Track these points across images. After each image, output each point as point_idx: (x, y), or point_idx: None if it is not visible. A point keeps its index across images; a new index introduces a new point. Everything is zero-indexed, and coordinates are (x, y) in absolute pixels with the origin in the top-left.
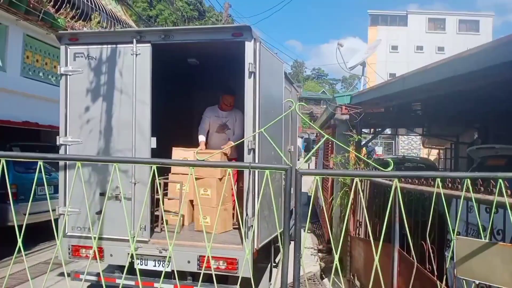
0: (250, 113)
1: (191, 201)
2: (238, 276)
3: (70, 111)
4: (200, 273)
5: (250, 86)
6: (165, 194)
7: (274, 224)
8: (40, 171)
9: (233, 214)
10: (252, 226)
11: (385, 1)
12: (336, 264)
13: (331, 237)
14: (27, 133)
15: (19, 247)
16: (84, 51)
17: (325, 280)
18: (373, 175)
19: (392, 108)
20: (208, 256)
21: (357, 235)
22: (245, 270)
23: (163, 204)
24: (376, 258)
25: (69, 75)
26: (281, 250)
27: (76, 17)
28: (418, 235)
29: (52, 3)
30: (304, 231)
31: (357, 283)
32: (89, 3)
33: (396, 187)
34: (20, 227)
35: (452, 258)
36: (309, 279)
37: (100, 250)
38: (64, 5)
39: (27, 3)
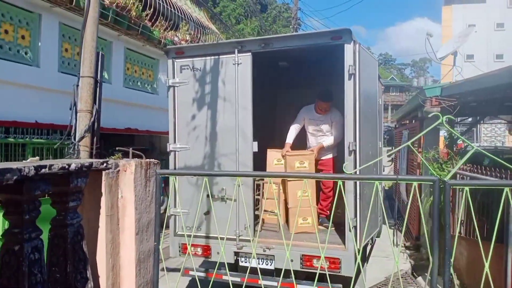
0: (350, 115)
1: (285, 201)
2: (338, 275)
3: (178, 119)
4: (302, 271)
5: (350, 88)
6: (260, 194)
7: (372, 225)
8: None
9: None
10: (355, 226)
11: None
12: (451, 264)
13: (426, 236)
14: (125, 138)
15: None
16: (189, 63)
17: (419, 278)
18: None
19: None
20: (321, 256)
21: (458, 234)
22: (347, 269)
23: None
24: (488, 260)
25: (177, 86)
26: (431, 258)
27: (169, 28)
28: None
29: (148, 17)
30: (391, 227)
31: (457, 282)
32: (179, 13)
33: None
34: None
35: None
36: (402, 277)
37: (208, 248)
38: (158, 18)
39: (128, 19)
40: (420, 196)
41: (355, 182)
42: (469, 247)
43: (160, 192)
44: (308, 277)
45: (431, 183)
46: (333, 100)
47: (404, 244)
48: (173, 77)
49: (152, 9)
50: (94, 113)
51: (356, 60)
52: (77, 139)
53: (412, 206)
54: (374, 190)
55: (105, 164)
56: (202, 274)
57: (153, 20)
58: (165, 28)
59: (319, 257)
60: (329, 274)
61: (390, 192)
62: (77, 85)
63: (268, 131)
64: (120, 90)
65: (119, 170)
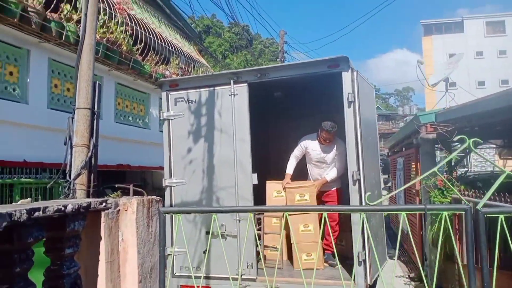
0: (352, 143)
1: (287, 235)
2: None
3: (174, 153)
4: None
5: (350, 116)
6: (259, 230)
7: (380, 258)
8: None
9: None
10: (364, 260)
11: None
12: None
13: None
14: (116, 175)
15: None
16: (184, 95)
17: None
18: None
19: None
20: None
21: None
22: None
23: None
24: None
25: (171, 119)
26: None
27: (160, 62)
28: None
29: (139, 51)
30: (391, 258)
31: None
32: (169, 47)
33: None
34: None
35: None
36: None
37: None
38: (149, 52)
39: (119, 54)
40: (423, 225)
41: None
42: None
43: (165, 232)
44: None
45: (462, 211)
46: (335, 131)
47: (409, 275)
48: (168, 110)
49: (142, 44)
50: (91, 148)
51: (355, 87)
52: (72, 176)
53: (414, 235)
54: (378, 219)
55: (104, 204)
56: None
57: (143, 54)
58: (156, 62)
59: None
60: None
61: (386, 220)
62: (72, 118)
63: (265, 162)
64: (111, 126)
65: (119, 210)
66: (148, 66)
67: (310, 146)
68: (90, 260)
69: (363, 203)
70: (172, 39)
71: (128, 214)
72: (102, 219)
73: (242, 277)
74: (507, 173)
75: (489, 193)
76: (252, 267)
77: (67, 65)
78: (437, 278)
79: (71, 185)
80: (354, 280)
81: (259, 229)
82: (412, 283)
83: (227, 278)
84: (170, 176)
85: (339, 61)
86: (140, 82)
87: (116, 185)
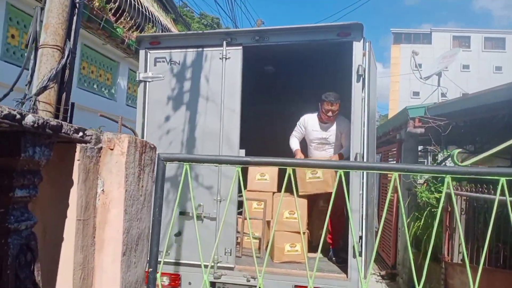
0: (358, 122)
1: (268, 222)
2: None
3: (149, 120)
4: None
5: (359, 91)
6: (239, 214)
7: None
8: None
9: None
10: (360, 252)
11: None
12: None
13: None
14: None
15: None
16: (166, 55)
17: None
18: None
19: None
20: None
21: (457, 261)
22: None
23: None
24: None
25: (149, 81)
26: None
27: (133, 28)
28: None
29: (112, 11)
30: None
31: None
32: (146, 13)
33: None
34: None
35: None
36: None
37: (177, 277)
38: (123, 14)
39: (90, 10)
40: (397, 223)
41: (362, 200)
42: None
43: (163, 187)
44: None
45: None
46: (339, 102)
47: (379, 273)
48: (145, 71)
49: (117, 4)
50: (66, 53)
51: (366, 60)
52: (35, 90)
53: (385, 233)
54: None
55: (81, 134)
56: None
57: (117, 16)
58: (129, 27)
59: None
60: None
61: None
62: (42, 8)
63: (253, 141)
64: (73, 90)
65: (101, 148)
66: (120, 30)
67: (309, 124)
68: (53, 215)
69: (364, 191)
70: (149, 6)
71: (114, 155)
72: (77, 156)
73: (218, 264)
74: None
75: None
76: (230, 254)
77: (28, 14)
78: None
79: (34, 103)
80: (346, 273)
81: (239, 213)
82: (383, 281)
83: (200, 266)
84: None
85: (352, 28)
86: (110, 47)
87: (99, 114)
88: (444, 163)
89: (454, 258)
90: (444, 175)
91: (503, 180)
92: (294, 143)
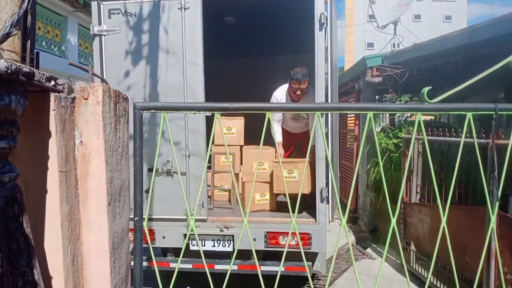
0: (321, 71)
1: (237, 175)
2: (305, 253)
3: (107, 77)
4: (265, 250)
5: (322, 40)
6: (208, 168)
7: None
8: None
9: None
10: (327, 197)
11: None
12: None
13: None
14: None
15: None
16: (121, 6)
17: (368, 249)
18: None
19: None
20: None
21: (415, 201)
22: (317, 245)
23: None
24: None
25: (104, 35)
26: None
27: None
28: None
29: None
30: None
31: (413, 249)
32: None
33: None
34: None
35: None
36: (349, 250)
37: (151, 232)
38: None
39: None
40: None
41: (328, 146)
42: (437, 214)
43: (142, 136)
44: (267, 256)
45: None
46: (308, 78)
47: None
48: (99, 24)
49: None
50: None
51: (328, 8)
52: None
53: (346, 180)
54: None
55: (53, 82)
56: (143, 264)
57: None
58: None
59: (286, 233)
60: (293, 252)
61: None
62: None
63: (220, 95)
64: None
65: (74, 98)
66: None
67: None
68: (33, 168)
69: (329, 139)
70: None
71: (89, 105)
72: (52, 105)
73: (191, 217)
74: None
75: None
76: (203, 207)
77: None
78: (372, 219)
79: None
80: (315, 218)
81: (209, 167)
82: (346, 224)
83: (174, 220)
84: None
85: None
86: (56, 1)
87: (68, 62)
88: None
89: (412, 198)
90: (415, 112)
91: (469, 114)
92: (278, 134)
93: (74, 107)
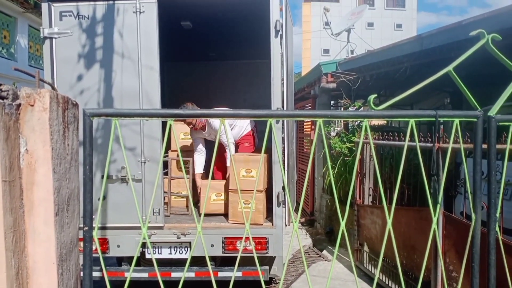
0: (277, 77)
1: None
2: (262, 257)
3: (58, 81)
4: (223, 256)
5: (277, 47)
6: (165, 174)
7: (293, 199)
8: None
9: None
10: (284, 200)
11: None
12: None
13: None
14: None
15: None
16: (73, 8)
17: (324, 251)
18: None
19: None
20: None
21: (368, 204)
22: (274, 249)
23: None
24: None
25: (55, 38)
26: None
27: None
28: None
29: None
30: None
31: (366, 250)
32: None
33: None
34: None
35: None
36: (306, 252)
37: (104, 241)
38: None
39: None
40: (314, 173)
41: (284, 150)
42: (384, 215)
43: (92, 144)
44: (225, 262)
45: (475, 119)
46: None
47: (300, 220)
48: (50, 26)
49: None
50: None
51: (283, 15)
52: None
53: (303, 183)
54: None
55: None
56: (97, 274)
57: None
58: None
59: (242, 238)
60: (251, 257)
61: None
62: None
63: (177, 101)
64: None
65: (20, 105)
66: None
67: (199, 136)
68: None
69: (285, 144)
70: None
71: (35, 112)
72: None
73: (148, 225)
74: None
75: (502, 99)
76: (159, 214)
77: None
78: (327, 221)
79: None
80: (272, 222)
81: (166, 173)
82: (303, 227)
83: (129, 228)
84: None
85: None
86: (4, 1)
87: (14, 67)
88: None
89: (365, 201)
90: (362, 119)
91: (412, 121)
92: (199, 165)
93: (19, 114)
